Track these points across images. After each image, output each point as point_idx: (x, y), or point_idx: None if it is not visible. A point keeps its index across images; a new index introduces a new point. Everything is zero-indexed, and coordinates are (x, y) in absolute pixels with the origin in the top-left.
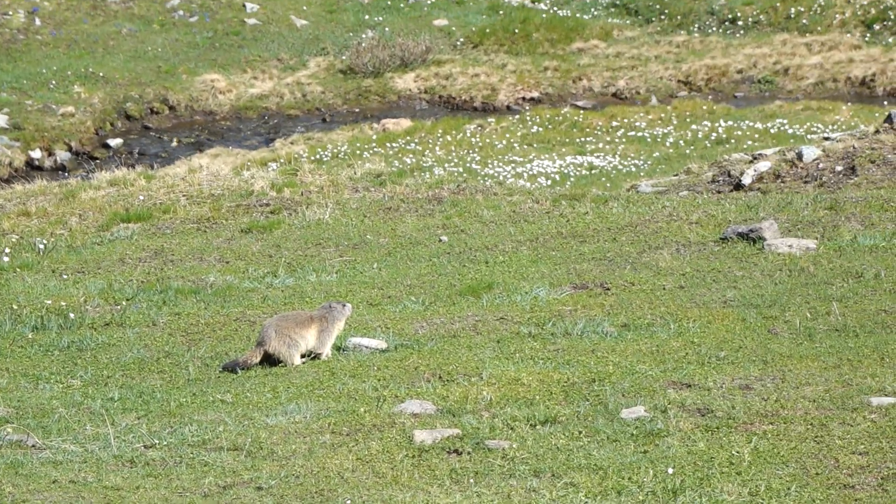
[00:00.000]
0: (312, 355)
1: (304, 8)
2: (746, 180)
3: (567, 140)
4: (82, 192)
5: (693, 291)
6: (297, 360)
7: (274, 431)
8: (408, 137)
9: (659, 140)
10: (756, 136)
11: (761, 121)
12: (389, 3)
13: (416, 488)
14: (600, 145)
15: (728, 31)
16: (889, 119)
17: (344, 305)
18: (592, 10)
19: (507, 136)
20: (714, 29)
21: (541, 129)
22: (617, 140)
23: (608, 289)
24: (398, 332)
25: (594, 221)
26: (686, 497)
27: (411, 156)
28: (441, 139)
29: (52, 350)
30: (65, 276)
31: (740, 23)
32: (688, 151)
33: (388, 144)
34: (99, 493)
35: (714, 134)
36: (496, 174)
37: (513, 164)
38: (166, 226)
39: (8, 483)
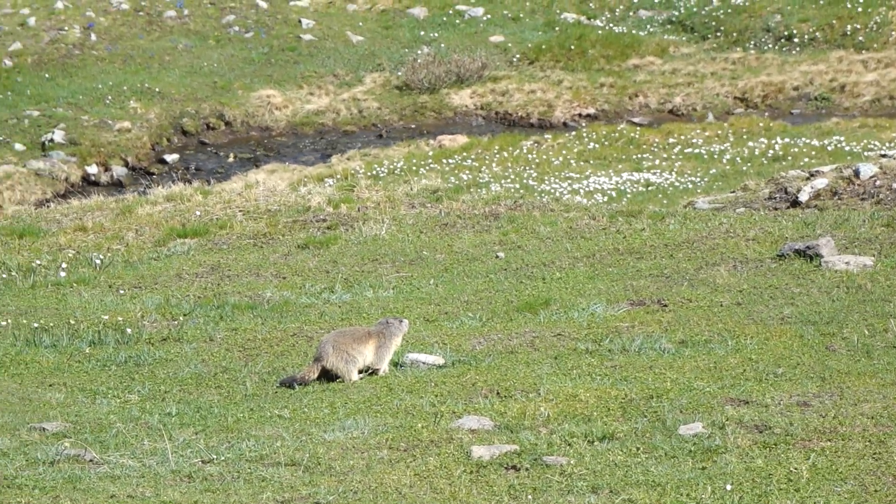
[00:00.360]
0: (370, 371)
1: (360, 24)
2: (803, 197)
3: (623, 157)
4: (139, 208)
5: (750, 308)
6: (355, 376)
7: (332, 447)
8: (464, 153)
9: (716, 157)
10: (813, 153)
11: (818, 138)
12: (445, 19)
13: None
14: (657, 162)
15: (784, 48)
16: None
17: (401, 321)
18: (648, 26)
19: (564, 152)
20: (770, 46)
21: (597, 145)
22: (673, 157)
23: (665, 305)
24: (455, 347)
25: (651, 238)
26: None
27: (468, 172)
28: (497, 155)
29: (109, 365)
30: (122, 292)
31: (796, 40)
32: (744, 168)
33: (444, 160)
34: None
35: (771, 151)
36: (553, 190)
37: (569, 181)
38: (223, 241)
39: (66, 498)
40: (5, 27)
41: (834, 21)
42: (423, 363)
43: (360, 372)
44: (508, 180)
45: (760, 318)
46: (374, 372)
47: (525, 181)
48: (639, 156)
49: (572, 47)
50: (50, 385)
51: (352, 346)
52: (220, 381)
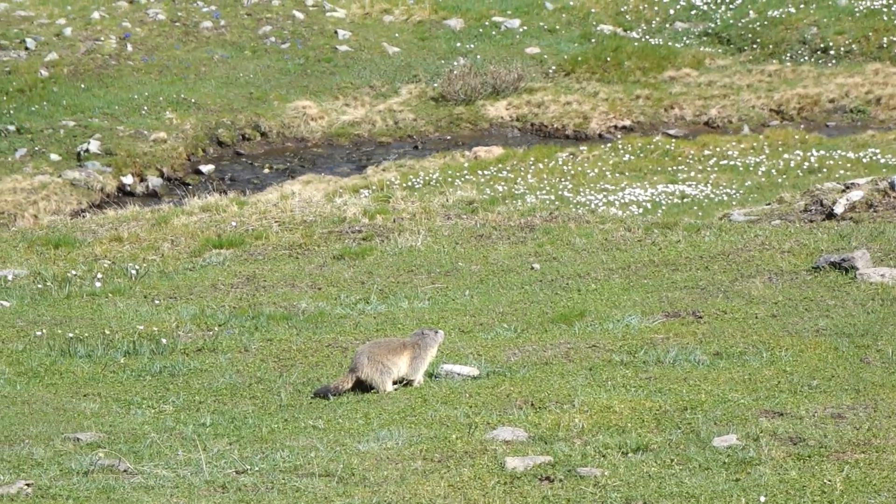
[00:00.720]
0: (405, 382)
1: (396, 35)
2: (839, 209)
3: (659, 168)
4: (174, 218)
5: (785, 320)
6: (390, 387)
7: (366, 458)
8: (499, 165)
9: (751, 169)
10: (848, 165)
11: (853, 150)
12: (481, 30)
13: None
14: (692, 174)
15: (820, 61)
16: None
17: (436, 332)
18: (684, 38)
19: (599, 164)
20: (806, 58)
21: (632, 157)
22: (709, 169)
23: (700, 317)
24: (490, 359)
25: (686, 250)
26: None
27: (503, 183)
28: (533, 167)
29: (143, 375)
30: (157, 302)
31: (832, 52)
32: (780, 180)
33: (479, 172)
34: None
35: (806, 163)
36: (588, 202)
37: (605, 193)
38: (258, 252)
39: None
40: (42, 37)
41: (870, 33)
42: (458, 374)
43: (396, 383)
44: (544, 192)
45: (795, 330)
46: (409, 383)
47: (560, 193)
48: (674, 168)
49: (608, 59)
50: (84, 395)
51: (387, 357)
52: (254, 392)
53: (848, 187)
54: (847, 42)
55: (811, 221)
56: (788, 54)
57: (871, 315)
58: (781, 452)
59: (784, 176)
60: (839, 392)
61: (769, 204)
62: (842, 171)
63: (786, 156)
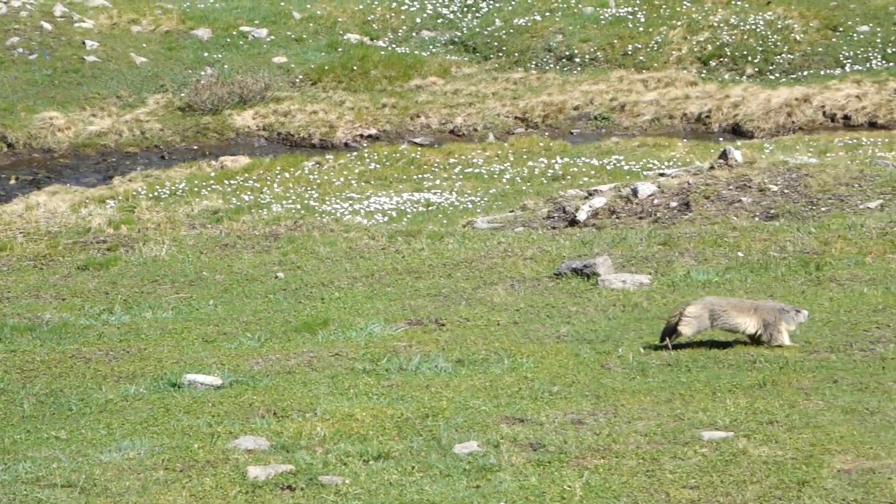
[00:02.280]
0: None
1: (144, 45)
2: (582, 216)
3: (404, 177)
4: None
5: (527, 327)
6: None
7: (108, 468)
8: (246, 174)
9: (496, 176)
10: (592, 172)
11: (597, 157)
12: (229, 40)
13: None
14: (437, 182)
15: (565, 68)
16: (723, 155)
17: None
18: (431, 47)
19: (345, 173)
20: (551, 66)
21: (378, 166)
22: (454, 177)
23: (443, 324)
24: (233, 368)
25: (430, 258)
26: None
27: (249, 193)
28: (279, 176)
29: None
30: None
31: (577, 60)
32: (524, 188)
33: (226, 181)
34: None
35: (550, 170)
36: (334, 211)
37: (350, 201)
38: (2, 263)
39: None
40: None
41: (615, 41)
42: (201, 384)
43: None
44: (290, 201)
45: (537, 336)
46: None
47: (306, 202)
48: (420, 176)
49: (355, 68)
50: None
51: None
52: None
53: (591, 194)
54: (592, 50)
55: (554, 228)
56: (534, 62)
57: (613, 321)
58: (522, 458)
59: (528, 183)
60: (580, 398)
61: (513, 211)
62: (586, 178)
63: (530, 163)
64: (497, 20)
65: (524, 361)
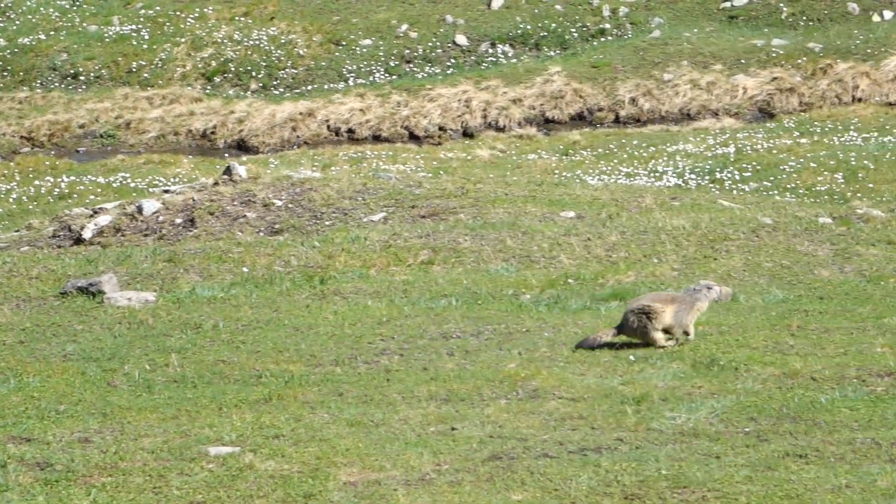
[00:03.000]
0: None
1: None
2: (87, 234)
3: None
4: None
5: (33, 346)
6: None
7: None
8: None
9: (3, 196)
10: (99, 190)
11: (104, 175)
12: None
13: None
14: None
15: (71, 87)
16: (228, 171)
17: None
18: None
19: None
20: (57, 84)
21: None
22: None
23: None
24: None
25: None
26: None
27: None
28: None
29: None
30: None
31: (83, 78)
32: (31, 207)
33: None
34: None
35: (57, 189)
36: None
37: None
38: None
39: None
40: None
41: (120, 58)
42: None
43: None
44: None
45: (43, 355)
46: None
47: None
48: None
49: None
50: None
51: None
52: None
53: (97, 212)
54: (97, 68)
55: (60, 247)
56: (39, 81)
57: (119, 338)
58: (29, 478)
59: (35, 202)
60: (86, 416)
61: (18, 231)
62: (93, 197)
63: (37, 182)
64: (1, 39)
65: (30, 381)
